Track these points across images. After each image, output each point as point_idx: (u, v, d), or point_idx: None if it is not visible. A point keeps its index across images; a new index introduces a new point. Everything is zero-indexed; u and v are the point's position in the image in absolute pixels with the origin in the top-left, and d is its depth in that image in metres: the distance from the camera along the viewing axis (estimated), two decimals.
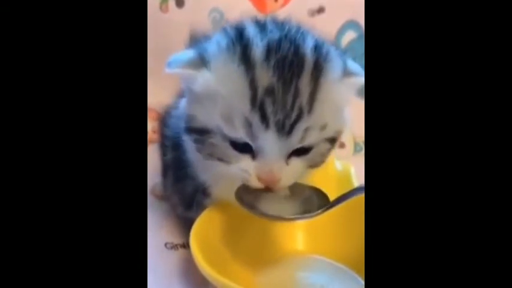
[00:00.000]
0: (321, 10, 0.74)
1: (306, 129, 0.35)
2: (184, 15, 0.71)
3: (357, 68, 0.39)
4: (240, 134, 0.35)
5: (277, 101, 0.34)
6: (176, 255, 0.46)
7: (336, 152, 0.41)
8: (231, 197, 0.39)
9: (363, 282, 0.41)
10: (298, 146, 0.36)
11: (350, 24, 0.74)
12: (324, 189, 0.42)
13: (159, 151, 0.50)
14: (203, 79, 0.35)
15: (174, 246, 0.48)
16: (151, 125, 0.68)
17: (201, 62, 0.36)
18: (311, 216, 0.38)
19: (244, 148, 0.36)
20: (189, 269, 0.43)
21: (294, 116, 0.34)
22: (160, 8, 0.71)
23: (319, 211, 0.37)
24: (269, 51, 0.34)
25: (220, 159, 0.37)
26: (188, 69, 0.36)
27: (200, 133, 0.37)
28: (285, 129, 0.34)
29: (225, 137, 0.36)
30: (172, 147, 0.44)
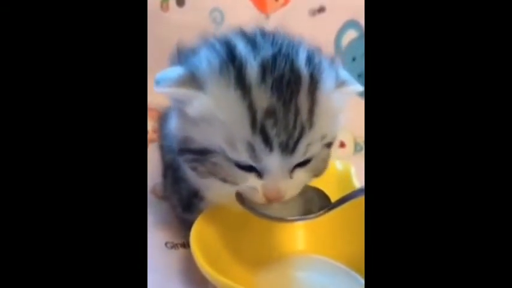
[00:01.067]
0: (321, 9, 0.74)
1: (309, 144, 0.34)
2: (184, 15, 0.71)
3: (348, 76, 0.38)
4: (244, 158, 0.34)
5: (279, 123, 0.33)
6: (176, 255, 0.46)
7: (337, 151, 0.41)
8: (224, 200, 0.39)
9: (363, 282, 0.41)
10: (301, 160, 0.35)
11: (351, 24, 0.74)
12: (325, 189, 0.42)
13: (159, 151, 0.50)
14: (199, 103, 0.34)
15: (174, 246, 0.48)
16: (152, 125, 0.68)
17: (193, 81, 0.34)
18: (312, 218, 0.38)
19: (248, 167, 0.35)
20: (189, 269, 0.43)
21: (296, 134, 0.34)
22: (161, 7, 0.71)
23: (320, 212, 0.37)
24: (264, 71, 0.33)
25: (225, 180, 0.36)
26: (180, 88, 0.35)
27: (199, 153, 0.36)
28: (289, 148, 0.34)
29: (229, 159, 0.35)
30: (170, 149, 0.44)
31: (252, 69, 0.33)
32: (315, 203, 0.38)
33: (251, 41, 0.36)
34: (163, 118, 0.48)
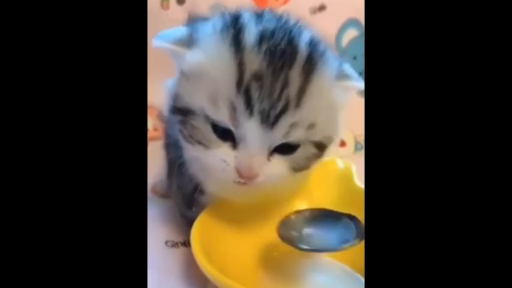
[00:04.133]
0: (322, 8, 0.74)
1: (292, 125, 0.34)
2: (185, 13, 0.71)
3: (353, 73, 0.38)
4: (223, 118, 0.34)
5: (264, 88, 0.33)
6: (177, 253, 0.46)
7: (337, 150, 0.41)
8: (224, 193, 0.39)
9: (363, 281, 0.41)
10: (282, 141, 0.35)
11: (351, 23, 0.74)
12: (326, 188, 0.42)
13: (163, 150, 0.50)
14: (192, 57, 0.35)
15: (174, 244, 0.47)
16: (152, 123, 0.68)
17: (190, 41, 0.35)
18: (350, 247, 0.37)
19: (225, 134, 0.35)
20: (190, 267, 0.43)
21: (280, 106, 0.33)
22: (162, 5, 0.71)
23: (357, 240, 0.37)
24: (262, 37, 0.34)
25: (200, 143, 0.36)
26: (176, 46, 0.36)
27: (183, 113, 0.36)
28: (270, 120, 0.33)
29: (208, 119, 0.35)
30: (173, 146, 0.44)
31: (250, 34, 0.34)
32: (352, 230, 0.38)
33: (258, 14, 0.37)
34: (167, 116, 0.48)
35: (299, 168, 0.37)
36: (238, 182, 0.36)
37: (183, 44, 0.36)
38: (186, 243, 0.47)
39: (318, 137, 0.36)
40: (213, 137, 0.35)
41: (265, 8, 0.39)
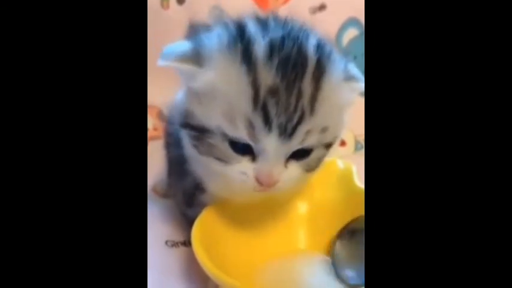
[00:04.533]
0: (322, 7, 0.74)
1: (308, 132, 0.34)
2: (185, 13, 0.71)
3: (358, 73, 0.38)
4: (242, 135, 0.34)
5: (280, 103, 0.33)
6: (177, 253, 0.46)
7: (337, 150, 0.41)
8: (225, 191, 0.39)
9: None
10: (298, 147, 0.35)
11: (351, 22, 0.74)
12: (326, 188, 0.42)
13: (163, 150, 0.50)
14: (203, 78, 0.35)
15: (174, 244, 0.48)
16: (152, 122, 0.68)
17: (198, 57, 0.35)
18: None
19: (243, 149, 0.35)
20: (190, 267, 0.43)
21: (296, 118, 0.33)
22: (162, 4, 0.71)
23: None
24: (272, 49, 0.33)
25: (219, 159, 0.36)
26: (184, 63, 0.35)
27: (198, 131, 0.36)
28: (287, 132, 0.33)
29: (225, 137, 0.35)
30: (174, 144, 0.44)
31: (260, 47, 0.33)
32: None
33: (263, 22, 0.36)
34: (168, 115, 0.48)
35: (311, 169, 0.38)
36: (258, 190, 0.37)
37: (189, 61, 0.35)
38: (186, 243, 0.47)
39: (328, 138, 0.37)
40: (231, 153, 0.36)
41: (268, 13, 0.38)
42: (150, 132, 0.67)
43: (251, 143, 0.34)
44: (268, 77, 0.33)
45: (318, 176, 0.41)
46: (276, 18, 0.37)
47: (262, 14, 0.38)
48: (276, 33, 0.34)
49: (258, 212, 0.43)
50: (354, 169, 0.48)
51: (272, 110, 0.33)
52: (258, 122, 0.33)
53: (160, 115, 0.67)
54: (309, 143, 0.35)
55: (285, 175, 0.36)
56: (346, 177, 0.47)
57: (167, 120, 0.48)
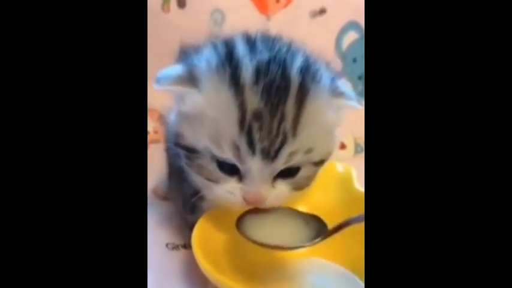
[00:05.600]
0: (322, 11, 0.74)
1: (291, 154, 0.35)
2: (185, 16, 0.71)
3: (347, 89, 0.38)
4: (228, 156, 0.35)
5: (264, 127, 0.34)
6: (177, 256, 0.46)
7: (337, 153, 0.41)
8: (223, 201, 0.39)
9: (363, 285, 0.41)
10: (283, 167, 0.36)
11: (351, 25, 0.74)
12: (326, 192, 0.42)
13: (164, 153, 0.50)
14: (192, 99, 0.35)
15: (175, 247, 0.47)
16: (152, 125, 0.68)
17: (191, 79, 0.36)
18: (308, 245, 0.38)
19: (231, 170, 0.36)
20: (190, 270, 0.43)
21: (278, 142, 0.34)
22: (162, 8, 0.71)
23: (317, 240, 0.37)
24: (258, 74, 0.34)
25: (207, 179, 0.38)
26: (177, 86, 0.36)
27: (188, 151, 0.37)
28: (270, 155, 0.34)
29: (213, 158, 0.36)
30: (173, 155, 0.44)
31: (247, 71, 0.34)
32: (311, 229, 0.38)
33: (251, 43, 0.37)
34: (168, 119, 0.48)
35: (301, 187, 0.39)
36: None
37: (184, 83, 0.36)
38: (187, 246, 0.47)
39: (317, 157, 0.37)
40: (219, 173, 0.37)
41: (256, 33, 0.38)
42: (150, 135, 0.67)
43: (237, 164, 0.35)
44: (254, 101, 0.34)
45: (317, 179, 0.41)
46: (264, 38, 0.38)
47: (251, 33, 0.39)
48: (263, 56, 0.35)
49: None
50: (354, 172, 0.48)
51: (256, 135, 0.34)
52: (243, 144, 0.34)
53: (160, 118, 0.67)
54: (293, 162, 0.36)
55: (272, 194, 0.37)
56: (346, 181, 0.47)
57: (166, 130, 0.48)
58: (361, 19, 0.73)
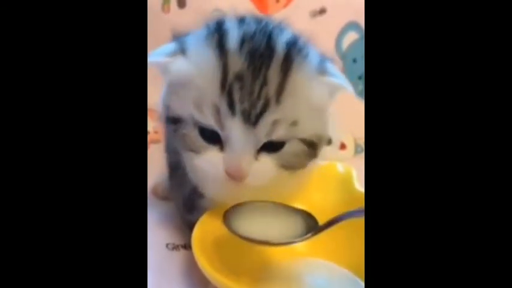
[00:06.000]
0: (322, 11, 0.74)
1: (274, 123, 0.35)
2: (185, 16, 0.71)
3: (335, 71, 0.38)
4: (209, 121, 0.35)
5: (245, 88, 0.34)
6: (177, 256, 0.46)
7: (337, 153, 0.41)
8: (222, 197, 0.39)
9: (363, 285, 0.41)
10: (266, 139, 0.35)
11: (351, 26, 0.74)
12: (326, 192, 0.42)
13: (164, 153, 0.50)
14: (178, 66, 0.36)
15: (175, 247, 0.47)
16: (152, 125, 0.68)
17: (180, 50, 0.37)
18: (298, 241, 0.37)
19: (212, 138, 0.36)
20: (190, 270, 0.43)
21: (260, 105, 0.34)
22: (162, 8, 0.71)
23: (307, 235, 0.37)
24: (243, 40, 0.35)
25: (190, 149, 0.37)
26: (167, 57, 0.37)
27: (174, 122, 0.38)
28: (251, 119, 0.34)
29: (196, 124, 0.36)
30: (172, 150, 0.44)
31: (233, 38, 0.35)
32: (301, 225, 0.38)
33: (241, 19, 0.38)
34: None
35: (289, 165, 0.38)
36: (231, 183, 0.37)
37: (173, 54, 0.37)
38: (187, 246, 0.47)
39: (304, 134, 0.37)
40: (201, 142, 0.37)
41: (247, 15, 0.40)
42: (150, 135, 0.67)
43: (218, 129, 0.35)
44: (237, 63, 0.35)
45: (317, 179, 0.41)
46: (254, 17, 0.39)
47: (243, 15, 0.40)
48: (250, 27, 0.36)
49: None
50: (354, 173, 0.48)
51: (236, 95, 0.34)
52: (223, 105, 0.34)
53: (160, 118, 0.67)
54: (277, 135, 0.35)
55: (255, 168, 0.36)
56: (346, 181, 0.47)
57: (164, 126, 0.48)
58: (361, 19, 0.73)
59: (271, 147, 0.36)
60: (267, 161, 0.37)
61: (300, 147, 0.37)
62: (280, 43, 0.36)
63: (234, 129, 0.35)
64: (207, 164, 0.37)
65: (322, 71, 0.37)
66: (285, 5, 0.73)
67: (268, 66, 0.35)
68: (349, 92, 0.38)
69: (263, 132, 0.35)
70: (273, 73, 0.35)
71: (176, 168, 0.45)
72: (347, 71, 0.73)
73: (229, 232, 0.41)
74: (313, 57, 0.37)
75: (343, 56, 0.74)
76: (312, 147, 0.38)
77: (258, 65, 0.34)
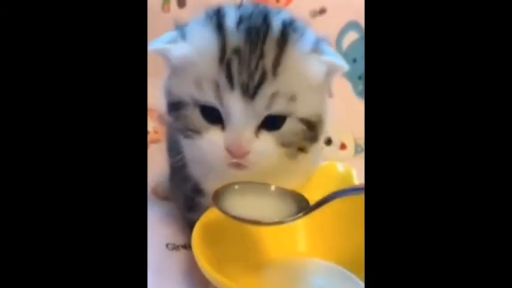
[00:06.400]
0: (322, 11, 0.74)
1: (272, 95, 0.35)
2: (185, 16, 0.71)
3: (330, 51, 0.39)
4: (209, 97, 0.36)
5: (242, 61, 0.35)
6: (177, 256, 0.46)
7: (337, 153, 0.41)
8: (209, 156, 0.39)
9: (363, 285, 0.41)
10: (266, 113, 0.36)
11: (352, 25, 0.74)
12: (326, 191, 0.41)
13: (165, 153, 0.50)
14: (179, 50, 0.37)
15: (175, 247, 0.47)
16: (152, 125, 0.68)
17: (181, 36, 0.38)
18: (290, 221, 0.37)
19: (213, 116, 0.37)
20: (190, 270, 0.43)
21: (257, 76, 0.35)
22: (162, 8, 0.71)
23: (299, 215, 0.37)
24: (241, 19, 0.37)
25: (192, 131, 0.38)
26: (169, 44, 0.38)
27: (176, 108, 0.38)
28: (250, 91, 0.35)
29: (196, 104, 0.37)
30: (174, 149, 0.44)
31: (231, 18, 0.37)
32: (292, 205, 0.38)
33: (239, 4, 0.40)
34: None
35: (289, 144, 0.38)
36: (232, 164, 0.37)
37: (174, 41, 0.38)
38: (187, 246, 0.47)
39: (303, 113, 0.37)
40: (202, 122, 0.37)
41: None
42: (150, 135, 0.67)
43: (218, 106, 0.36)
44: (235, 40, 0.36)
45: (317, 179, 0.41)
46: (252, 3, 0.41)
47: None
48: (248, 9, 0.38)
49: None
50: (354, 173, 0.48)
51: (234, 68, 0.35)
52: (222, 79, 0.35)
53: (160, 118, 0.67)
54: (275, 108, 0.36)
55: (256, 145, 0.37)
56: (346, 181, 0.47)
57: (167, 125, 0.48)
58: (361, 19, 0.73)
59: (271, 123, 0.37)
60: (267, 139, 0.37)
61: (300, 126, 0.38)
62: (277, 21, 0.37)
63: (233, 102, 0.35)
64: (209, 144, 0.37)
65: (317, 49, 0.38)
66: (285, 5, 0.73)
67: (264, 41, 0.36)
68: (344, 69, 0.39)
69: (262, 105, 0.36)
70: (269, 47, 0.36)
71: (177, 168, 0.45)
72: (347, 71, 0.73)
73: (228, 232, 0.41)
74: (309, 37, 0.38)
75: (343, 56, 0.74)
76: (311, 128, 0.39)
77: (255, 40, 0.36)
